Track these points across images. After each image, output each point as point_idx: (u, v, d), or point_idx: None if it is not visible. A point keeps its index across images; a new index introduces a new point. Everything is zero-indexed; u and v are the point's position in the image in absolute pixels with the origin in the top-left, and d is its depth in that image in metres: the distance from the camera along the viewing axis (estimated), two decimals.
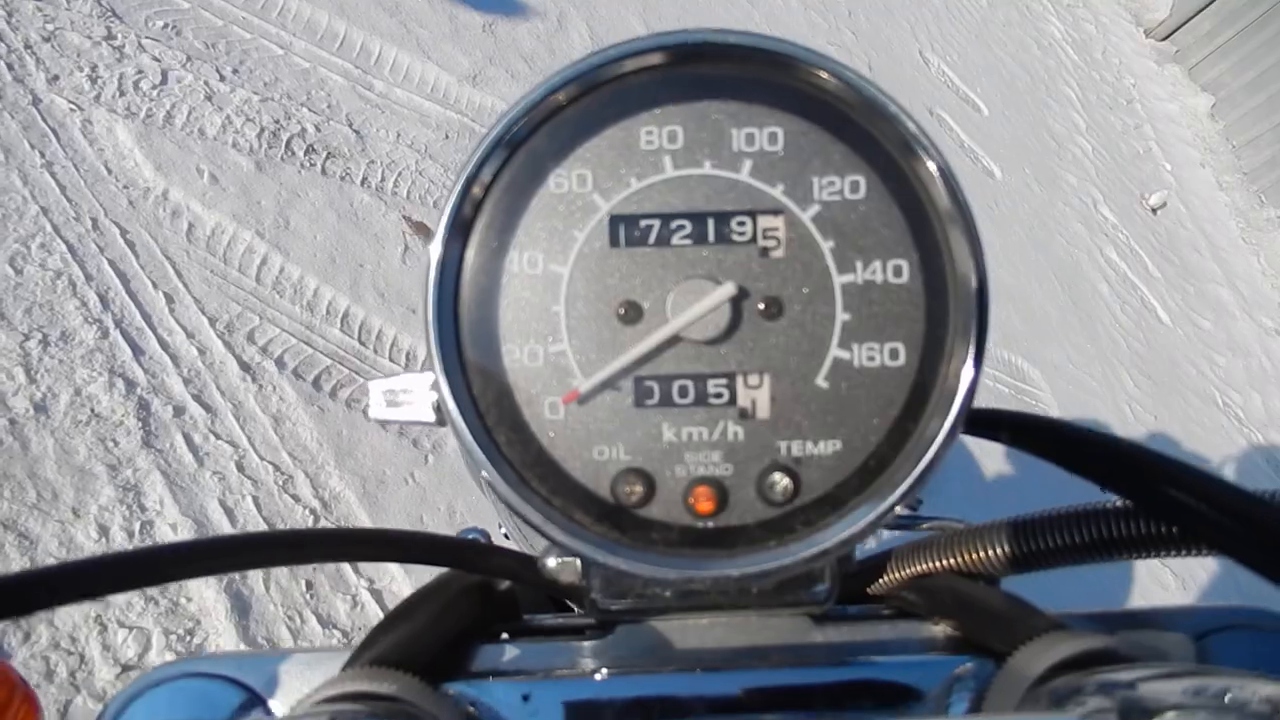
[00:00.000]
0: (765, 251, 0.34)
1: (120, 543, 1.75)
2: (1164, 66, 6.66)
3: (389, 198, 2.58)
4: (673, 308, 0.34)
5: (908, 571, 0.43)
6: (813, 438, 0.34)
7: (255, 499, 1.90)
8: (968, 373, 0.33)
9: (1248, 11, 6.19)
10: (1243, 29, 6.25)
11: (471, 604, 0.42)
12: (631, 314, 0.35)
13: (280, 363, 2.14)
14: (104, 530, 1.74)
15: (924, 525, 0.48)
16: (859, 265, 0.34)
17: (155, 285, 2.12)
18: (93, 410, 1.89)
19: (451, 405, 0.34)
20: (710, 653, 0.37)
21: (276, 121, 2.57)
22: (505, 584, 0.45)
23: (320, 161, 2.56)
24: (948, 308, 0.34)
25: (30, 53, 2.33)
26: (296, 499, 1.95)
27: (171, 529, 1.79)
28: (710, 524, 0.34)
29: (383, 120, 2.76)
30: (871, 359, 0.34)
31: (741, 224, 0.34)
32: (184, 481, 1.87)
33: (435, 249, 0.35)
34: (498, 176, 0.35)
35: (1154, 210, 5.32)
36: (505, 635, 0.41)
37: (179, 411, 1.97)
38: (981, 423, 0.42)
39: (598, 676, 0.34)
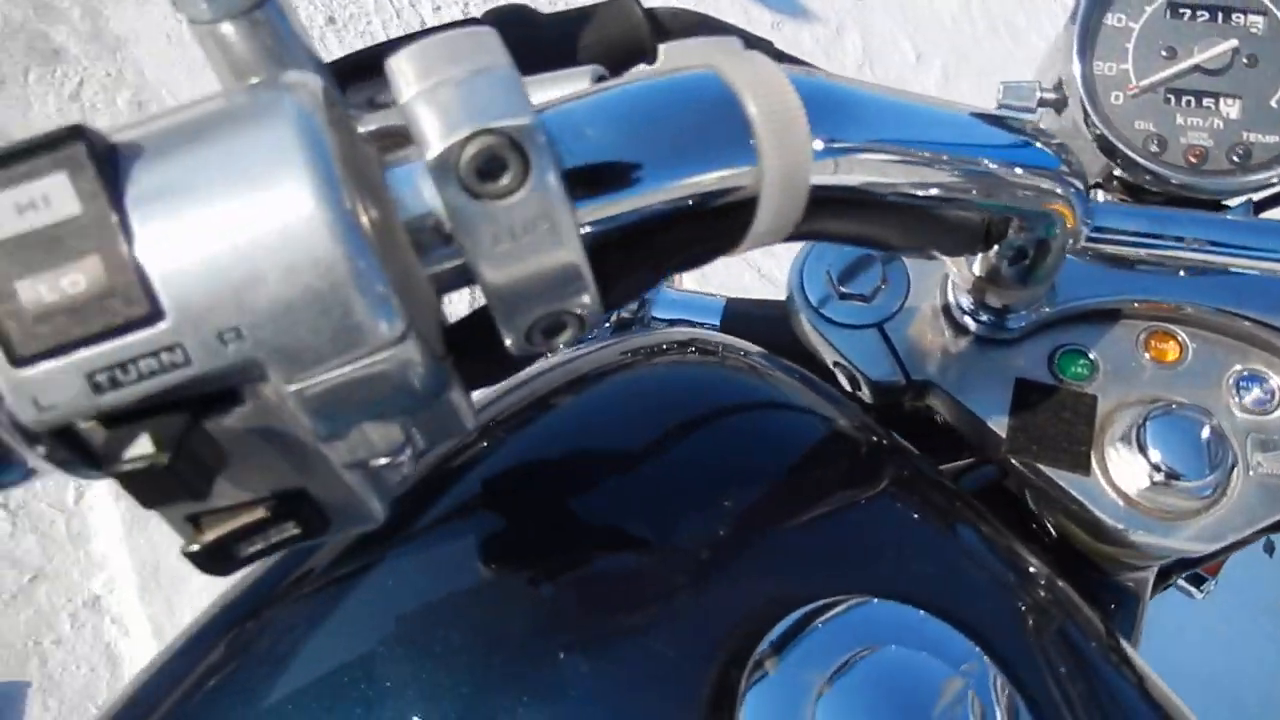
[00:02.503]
0: (1250, 34, 0.59)
1: None
2: None
3: None
4: (1197, 52, 0.59)
5: None
6: (1264, 130, 0.57)
7: None
8: None
9: None
10: None
11: None
12: (1172, 53, 0.59)
13: None
14: None
15: None
16: None
17: None
18: None
19: None
20: None
21: None
22: None
23: None
24: None
25: None
26: None
27: None
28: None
29: None
30: None
31: (1239, 15, 0.59)
32: None
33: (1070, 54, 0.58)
34: None
35: None
36: None
37: None
38: None
39: None
